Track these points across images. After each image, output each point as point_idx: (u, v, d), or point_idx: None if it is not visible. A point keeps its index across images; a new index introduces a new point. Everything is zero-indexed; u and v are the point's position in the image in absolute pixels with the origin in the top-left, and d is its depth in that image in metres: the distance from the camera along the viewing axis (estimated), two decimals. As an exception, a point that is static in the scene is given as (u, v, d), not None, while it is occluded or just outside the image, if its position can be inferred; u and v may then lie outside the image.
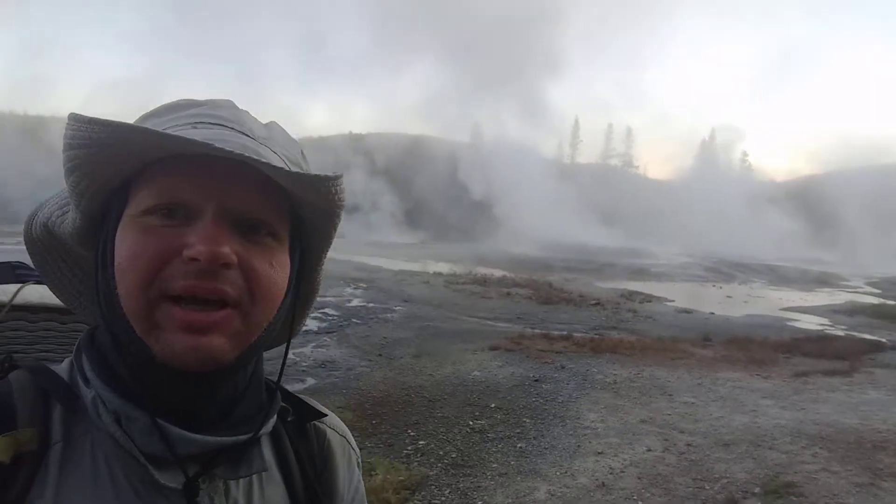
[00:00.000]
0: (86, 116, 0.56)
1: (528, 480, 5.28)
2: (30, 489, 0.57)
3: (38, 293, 0.96)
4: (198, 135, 0.60)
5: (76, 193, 0.63)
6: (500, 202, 50.03)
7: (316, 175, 0.62)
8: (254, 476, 0.69)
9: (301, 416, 0.78)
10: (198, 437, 0.61)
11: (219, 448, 0.64)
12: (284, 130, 0.72)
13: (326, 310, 13.73)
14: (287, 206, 0.67)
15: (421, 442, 6.15)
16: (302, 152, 0.73)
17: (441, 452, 5.89)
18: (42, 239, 0.71)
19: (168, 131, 0.60)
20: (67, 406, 0.62)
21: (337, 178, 0.63)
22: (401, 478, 5.23)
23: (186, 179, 0.60)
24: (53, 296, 0.81)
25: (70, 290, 0.76)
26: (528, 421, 6.84)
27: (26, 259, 0.82)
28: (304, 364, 9.15)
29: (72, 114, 0.56)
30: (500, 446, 6.08)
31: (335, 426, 0.84)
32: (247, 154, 0.58)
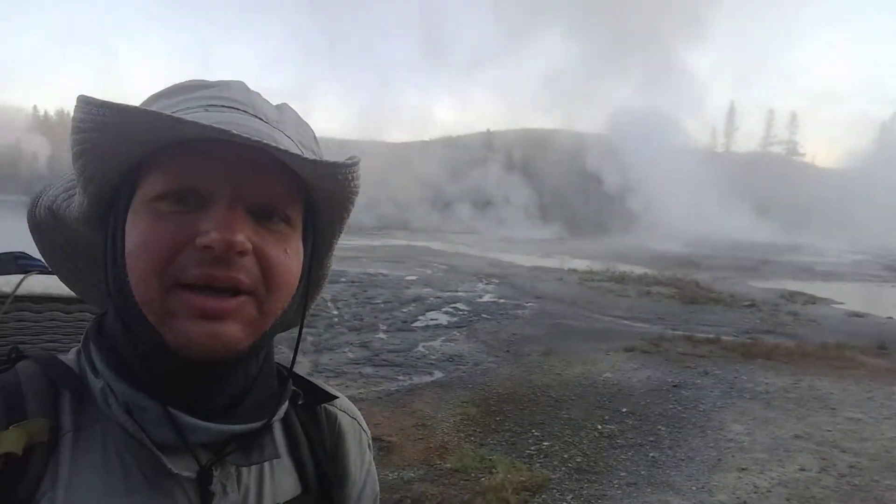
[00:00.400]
0: (97, 99, 0.54)
1: (659, 493, 4.87)
2: (41, 480, 0.57)
3: (41, 283, 0.95)
4: (211, 118, 0.58)
5: (84, 177, 0.61)
6: (640, 195, 47.68)
7: (333, 162, 0.61)
8: (264, 462, 0.68)
9: (312, 400, 0.78)
10: (210, 425, 0.61)
11: (231, 436, 0.63)
12: (296, 113, 0.71)
13: (457, 305, 13.86)
14: (300, 191, 0.65)
15: (545, 443, 5.94)
16: (314, 136, 0.71)
17: (565, 455, 5.64)
18: (46, 222, 0.70)
19: (180, 114, 0.57)
20: (77, 396, 0.62)
21: (353, 164, 0.63)
22: (522, 478, 5.07)
23: (199, 165, 0.59)
24: (57, 285, 0.81)
25: (76, 274, 0.75)
26: (663, 429, 6.35)
27: (27, 249, 0.81)
28: (433, 357, 9.27)
29: (81, 96, 0.54)
30: (629, 454, 5.69)
31: (346, 408, 0.83)
32: (263, 140, 0.56)
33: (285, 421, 0.74)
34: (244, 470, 0.67)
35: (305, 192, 0.66)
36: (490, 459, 5.43)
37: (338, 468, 0.79)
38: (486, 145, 63.44)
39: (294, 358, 0.72)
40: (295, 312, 0.72)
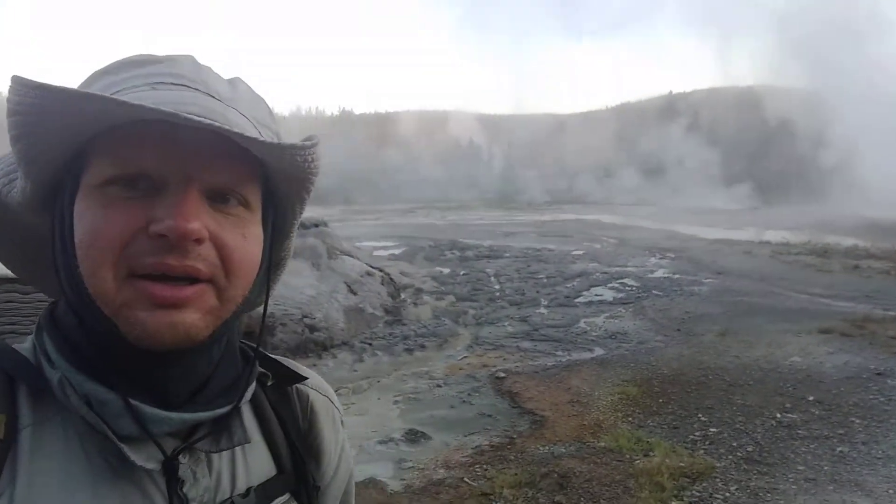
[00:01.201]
0: (32, 81, 0.50)
1: (845, 492, 4.27)
2: (0, 474, 0.55)
3: None
4: (159, 97, 0.55)
5: (25, 162, 0.58)
6: (850, 158, 41.12)
7: (290, 144, 0.58)
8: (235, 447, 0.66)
9: (281, 380, 0.75)
10: (172, 414, 0.59)
11: (196, 423, 0.62)
12: (249, 87, 0.67)
13: (625, 280, 13.28)
14: (258, 172, 0.62)
15: (712, 429, 5.50)
16: (270, 111, 0.68)
17: (734, 444, 5.17)
18: None
19: (125, 93, 0.56)
20: (34, 388, 0.59)
21: (311, 145, 0.60)
22: (681, 464, 4.75)
23: (149, 147, 0.56)
24: None
25: (22, 261, 0.71)
26: (857, 421, 5.53)
27: None
28: (594, 333, 9.01)
29: (15, 76, 0.51)
30: (812, 446, 5.05)
31: (317, 386, 0.81)
32: (216, 123, 0.53)
33: (255, 403, 0.72)
34: (215, 455, 0.65)
35: (263, 172, 0.63)
36: (647, 442, 5.17)
37: (312, 447, 0.77)
38: (667, 108, 59.30)
39: (260, 338, 0.69)
40: (257, 294, 0.69)
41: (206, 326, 0.58)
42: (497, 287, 12.63)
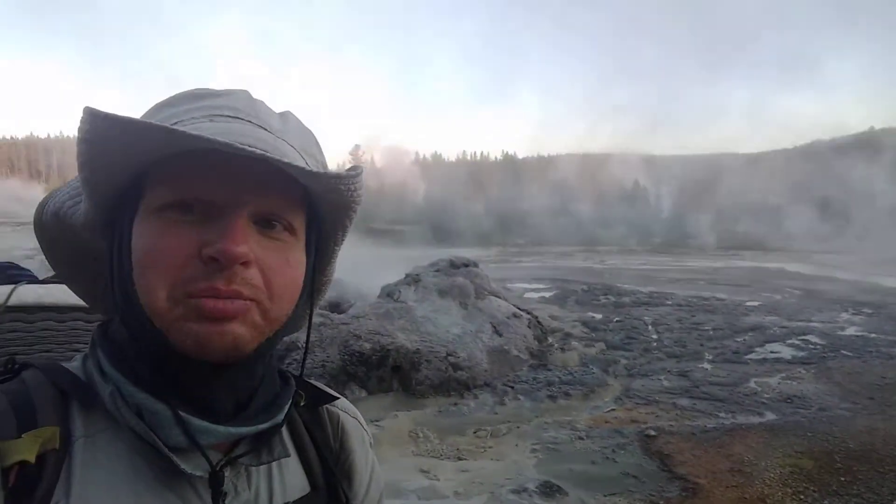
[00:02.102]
0: (101, 112, 0.55)
1: None
2: (54, 487, 0.58)
3: (33, 293, 0.94)
4: (215, 129, 0.60)
5: (89, 186, 0.63)
6: None
7: (336, 174, 0.62)
8: (273, 462, 0.70)
9: (313, 401, 0.79)
10: (220, 427, 0.62)
11: (240, 437, 0.66)
12: (299, 120, 0.72)
13: (808, 336, 11.67)
14: (303, 200, 0.67)
15: (912, 522, 4.54)
16: (317, 142, 0.72)
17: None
18: (52, 228, 0.72)
19: (184, 124, 0.61)
20: (86, 402, 0.63)
21: (355, 175, 0.64)
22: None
23: (205, 175, 0.60)
24: (49, 294, 0.84)
25: (82, 279, 0.76)
26: None
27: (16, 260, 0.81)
28: (766, 395, 7.98)
29: (86, 108, 0.55)
30: None
31: (347, 409, 0.85)
32: (268, 153, 0.57)
33: (289, 422, 0.75)
34: (254, 470, 0.68)
35: (308, 200, 0.67)
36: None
37: (344, 466, 0.80)
38: (864, 144, 52.64)
39: (304, 360, 0.76)
40: (300, 318, 0.74)
41: (252, 339, 0.62)
42: (654, 337, 11.78)
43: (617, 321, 13.31)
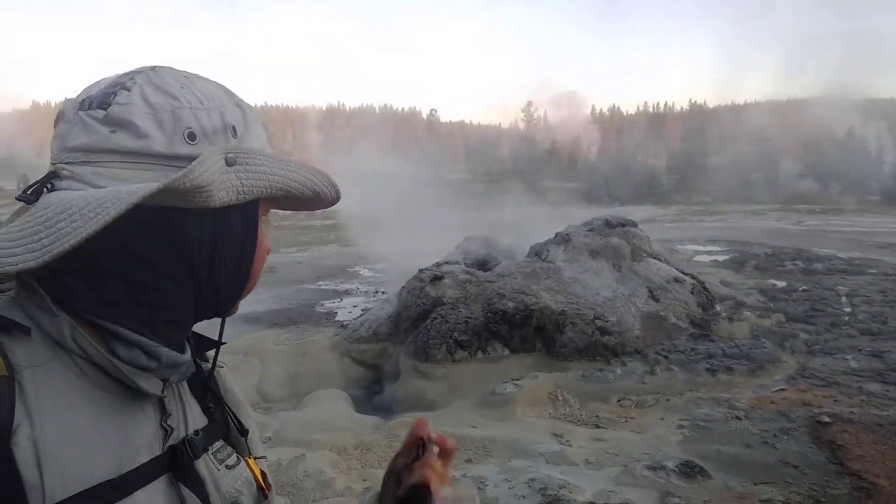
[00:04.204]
0: (330, 179, 0.81)
1: None
2: (13, 409, 0.61)
3: None
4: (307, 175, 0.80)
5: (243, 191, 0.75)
6: None
7: None
8: (182, 396, 0.81)
9: (199, 346, 0.88)
10: (187, 357, 0.75)
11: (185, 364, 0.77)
12: None
13: None
14: None
15: None
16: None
17: None
18: None
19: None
20: (24, 333, 0.66)
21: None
22: None
23: None
24: None
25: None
26: None
27: None
28: None
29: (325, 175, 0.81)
30: None
31: (210, 356, 0.94)
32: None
33: None
34: (173, 398, 0.78)
35: None
36: None
37: (232, 401, 0.92)
38: None
39: (222, 325, 0.85)
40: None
41: None
42: (847, 310, 10.17)
43: (803, 290, 11.74)
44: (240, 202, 0.71)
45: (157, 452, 0.72)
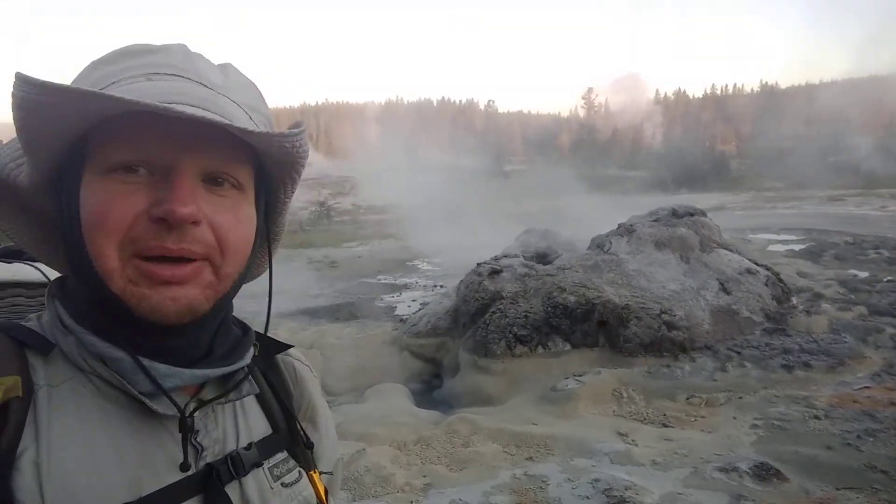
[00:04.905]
0: (32, 78, 0.55)
1: None
2: (21, 433, 0.60)
3: (7, 270, 0.92)
4: (154, 88, 0.61)
5: (29, 151, 0.64)
6: None
7: (277, 133, 0.63)
8: (237, 406, 0.75)
9: (269, 350, 0.83)
10: (183, 370, 0.66)
11: (206, 379, 0.70)
12: (241, 73, 0.72)
13: None
14: (250, 155, 0.68)
15: None
16: (260, 95, 0.73)
17: None
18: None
19: (121, 84, 0.62)
20: (44, 351, 0.65)
21: (296, 133, 0.65)
22: None
23: (148, 136, 0.61)
24: (22, 271, 0.87)
25: (34, 241, 0.76)
26: None
27: None
28: None
29: (18, 73, 0.56)
30: None
31: (299, 357, 0.91)
32: (208, 114, 0.59)
33: (249, 370, 0.77)
34: (220, 411, 0.72)
35: (255, 155, 0.69)
36: None
37: (307, 410, 0.87)
38: None
39: (269, 313, 0.77)
40: (255, 268, 0.80)
41: (206, 300, 0.65)
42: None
43: (888, 281, 10.97)
44: None
45: (191, 472, 0.67)
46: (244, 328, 0.79)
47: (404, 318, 10.33)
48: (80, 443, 0.61)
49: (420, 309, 10.40)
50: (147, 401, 0.63)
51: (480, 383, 7.28)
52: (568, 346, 7.60)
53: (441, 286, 12.95)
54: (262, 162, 0.70)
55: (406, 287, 13.85)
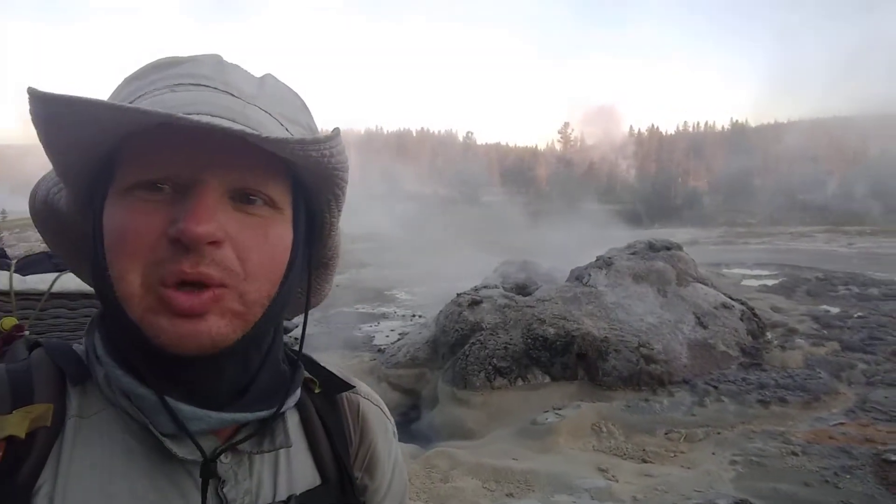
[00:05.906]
0: (40, 93, 0.50)
1: None
2: (43, 466, 0.57)
3: (75, 281, 0.93)
4: (176, 100, 0.57)
5: (58, 168, 0.62)
6: None
7: (300, 139, 0.55)
8: (280, 452, 0.67)
9: (329, 389, 0.75)
10: (210, 413, 0.60)
11: (238, 424, 0.64)
12: (281, 83, 0.67)
13: None
14: (286, 171, 0.62)
15: None
16: (303, 105, 0.68)
17: None
18: (42, 213, 0.70)
19: (146, 97, 0.58)
20: (76, 381, 0.62)
21: (323, 140, 0.57)
22: None
23: (169, 150, 0.56)
24: (62, 282, 0.83)
25: (79, 262, 0.74)
26: None
27: None
28: None
29: (30, 89, 0.51)
30: None
31: (368, 396, 0.81)
32: (223, 124, 0.53)
33: (301, 409, 0.72)
34: (257, 458, 0.65)
35: (293, 171, 0.63)
36: None
37: (365, 458, 0.76)
38: None
39: (301, 342, 0.70)
40: (316, 293, 0.75)
41: (233, 330, 0.58)
42: (918, 335, 9.65)
43: (858, 317, 11.18)
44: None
45: None
46: (294, 365, 0.71)
47: (382, 347, 10.20)
48: (96, 482, 0.57)
49: (399, 339, 10.30)
50: (168, 442, 0.59)
51: (460, 416, 7.18)
52: (548, 379, 7.57)
53: (420, 316, 12.86)
54: (301, 178, 0.64)
55: (384, 317, 13.72)
